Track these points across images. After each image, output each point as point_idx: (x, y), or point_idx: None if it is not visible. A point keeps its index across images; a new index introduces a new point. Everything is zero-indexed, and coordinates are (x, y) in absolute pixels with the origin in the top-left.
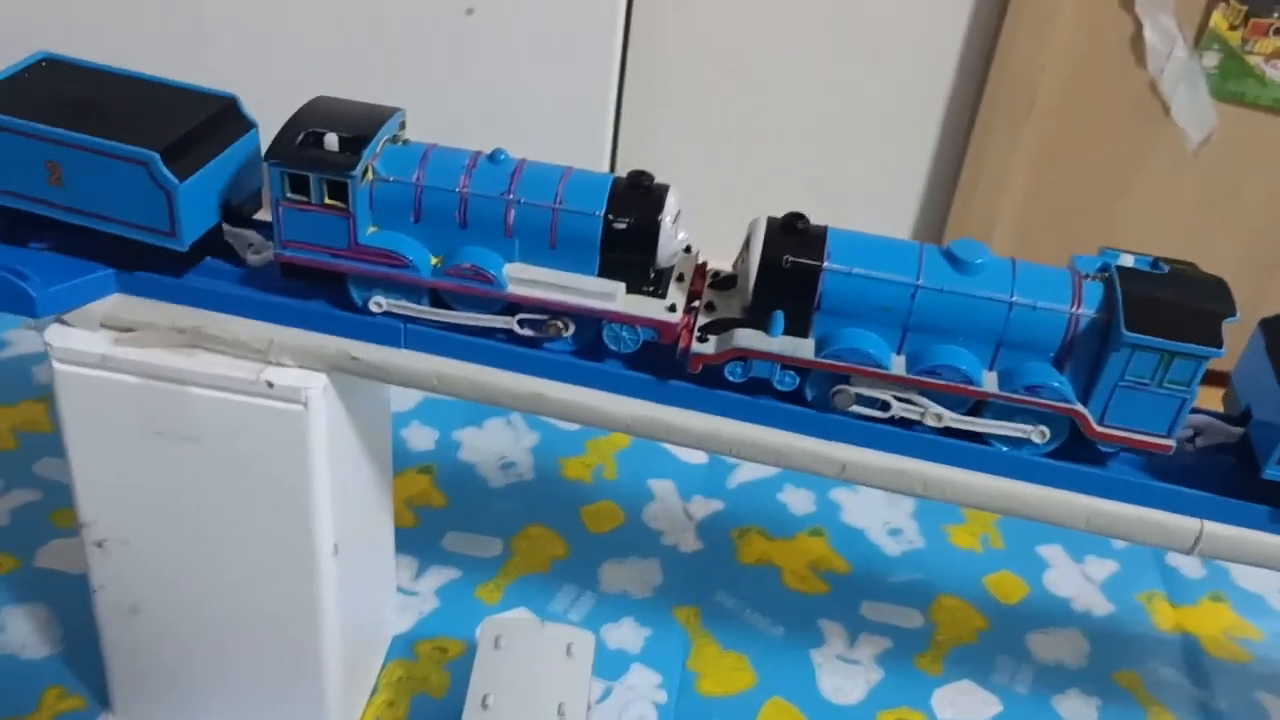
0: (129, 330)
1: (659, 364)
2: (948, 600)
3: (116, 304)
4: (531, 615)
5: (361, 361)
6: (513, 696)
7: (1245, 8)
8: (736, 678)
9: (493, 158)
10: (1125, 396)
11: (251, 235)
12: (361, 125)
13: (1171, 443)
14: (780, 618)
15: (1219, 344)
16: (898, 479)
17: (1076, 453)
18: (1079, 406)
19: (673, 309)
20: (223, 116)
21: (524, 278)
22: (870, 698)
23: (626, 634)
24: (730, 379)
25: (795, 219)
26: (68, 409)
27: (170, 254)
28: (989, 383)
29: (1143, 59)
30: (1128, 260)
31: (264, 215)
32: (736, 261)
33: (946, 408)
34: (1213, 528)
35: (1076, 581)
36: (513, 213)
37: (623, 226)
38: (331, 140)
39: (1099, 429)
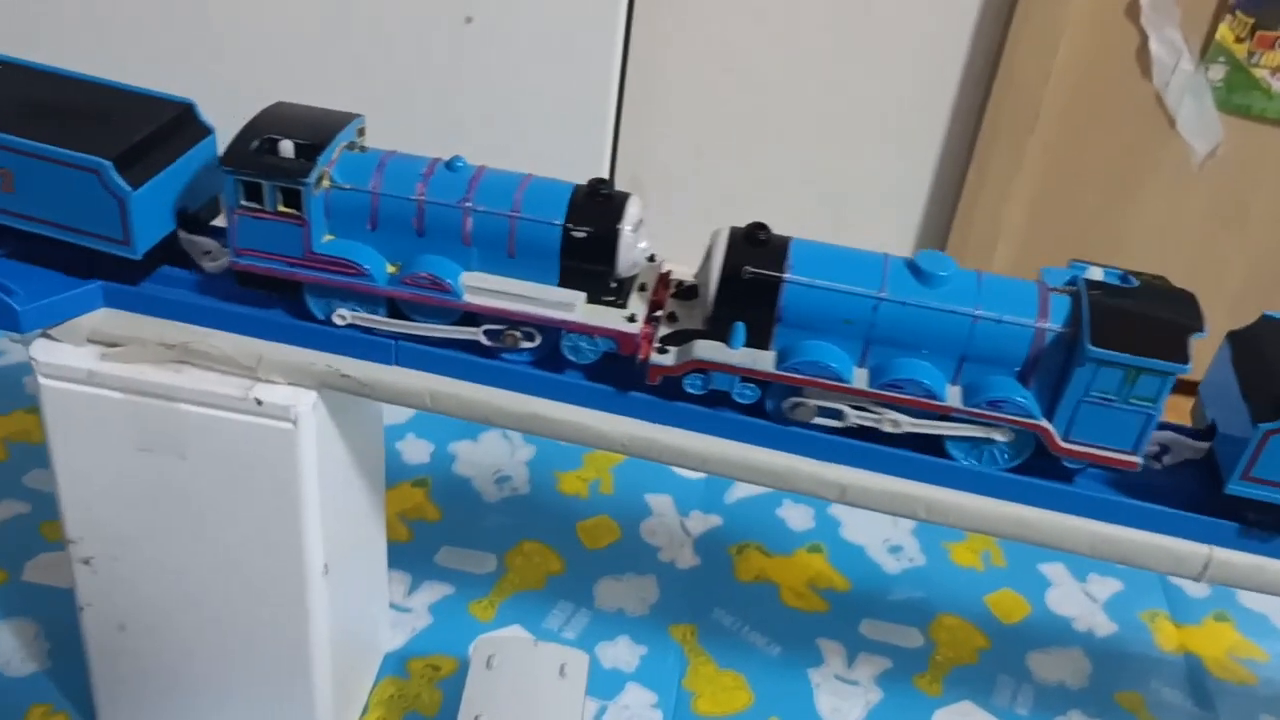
0: (116, 345)
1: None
2: (948, 619)
3: (104, 318)
4: (525, 634)
5: (351, 379)
6: (505, 717)
7: (1252, 20)
8: (733, 697)
9: (450, 165)
10: (1090, 412)
11: (208, 242)
12: (318, 131)
13: (1138, 459)
14: (778, 636)
15: (1186, 360)
16: (899, 503)
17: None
18: (1043, 422)
19: (632, 319)
20: (179, 122)
21: (482, 287)
22: (869, 719)
23: (622, 652)
24: (690, 391)
25: (757, 229)
26: (54, 424)
27: (125, 262)
28: (952, 397)
29: (1148, 71)
30: (1096, 273)
31: (222, 222)
32: (698, 272)
33: (923, 420)
34: (1221, 554)
35: (1079, 600)
36: (470, 221)
37: (582, 235)
38: (287, 147)
39: (1064, 445)
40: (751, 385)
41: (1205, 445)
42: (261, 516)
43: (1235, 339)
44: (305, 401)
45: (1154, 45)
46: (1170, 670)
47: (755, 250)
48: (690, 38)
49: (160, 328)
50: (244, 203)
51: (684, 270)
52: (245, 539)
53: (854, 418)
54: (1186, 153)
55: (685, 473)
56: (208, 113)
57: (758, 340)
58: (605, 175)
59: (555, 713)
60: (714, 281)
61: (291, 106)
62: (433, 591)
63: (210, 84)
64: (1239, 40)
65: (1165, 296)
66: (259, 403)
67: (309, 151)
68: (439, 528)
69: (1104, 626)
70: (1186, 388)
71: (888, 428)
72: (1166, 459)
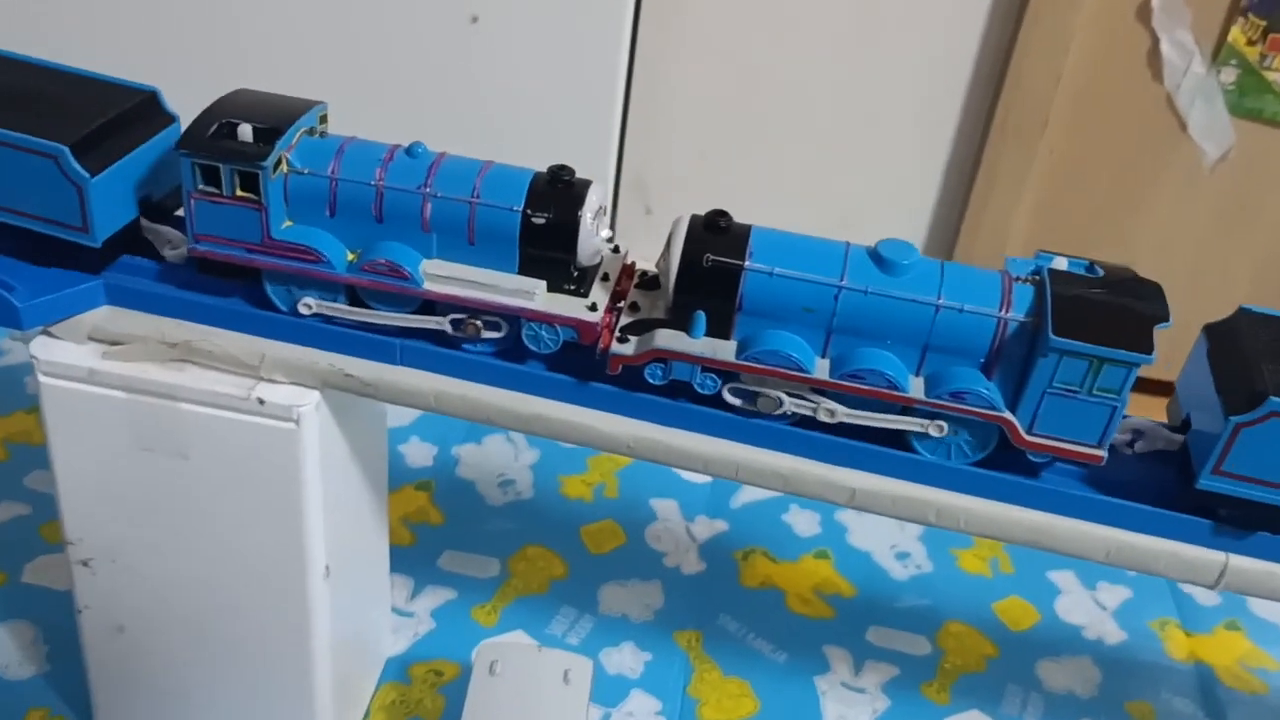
0: (117, 343)
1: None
2: (955, 626)
3: (105, 316)
4: (529, 639)
5: (355, 378)
6: None
7: (1264, 23)
8: (738, 705)
9: (410, 151)
10: (1054, 404)
11: (170, 231)
12: (278, 117)
13: (1102, 453)
14: (784, 643)
15: (1149, 350)
16: (909, 507)
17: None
18: (1007, 414)
19: (593, 308)
20: (142, 110)
21: (442, 274)
22: None
23: (626, 658)
24: (651, 381)
25: (718, 216)
26: (53, 423)
27: (85, 250)
28: (915, 388)
29: (1159, 74)
30: (1061, 263)
31: None
32: (659, 260)
33: (871, 413)
34: (1238, 561)
35: (1088, 608)
36: (429, 207)
37: (541, 222)
38: (245, 131)
39: (1028, 438)
40: (713, 375)
41: (1179, 438)
42: (263, 518)
43: (1211, 332)
44: (308, 401)
45: (1165, 48)
46: (1181, 679)
47: (716, 238)
48: (697, 40)
49: (162, 326)
50: (201, 187)
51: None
52: (246, 540)
53: (790, 405)
54: (1197, 156)
55: (691, 476)
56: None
57: (720, 330)
58: (611, 177)
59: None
60: (674, 270)
61: (252, 93)
62: (435, 596)
63: (208, 82)
64: (1251, 43)
65: (1131, 287)
66: (261, 402)
67: (268, 136)
68: (442, 531)
69: (1113, 635)
70: (1163, 388)
71: (823, 417)
72: (1139, 445)
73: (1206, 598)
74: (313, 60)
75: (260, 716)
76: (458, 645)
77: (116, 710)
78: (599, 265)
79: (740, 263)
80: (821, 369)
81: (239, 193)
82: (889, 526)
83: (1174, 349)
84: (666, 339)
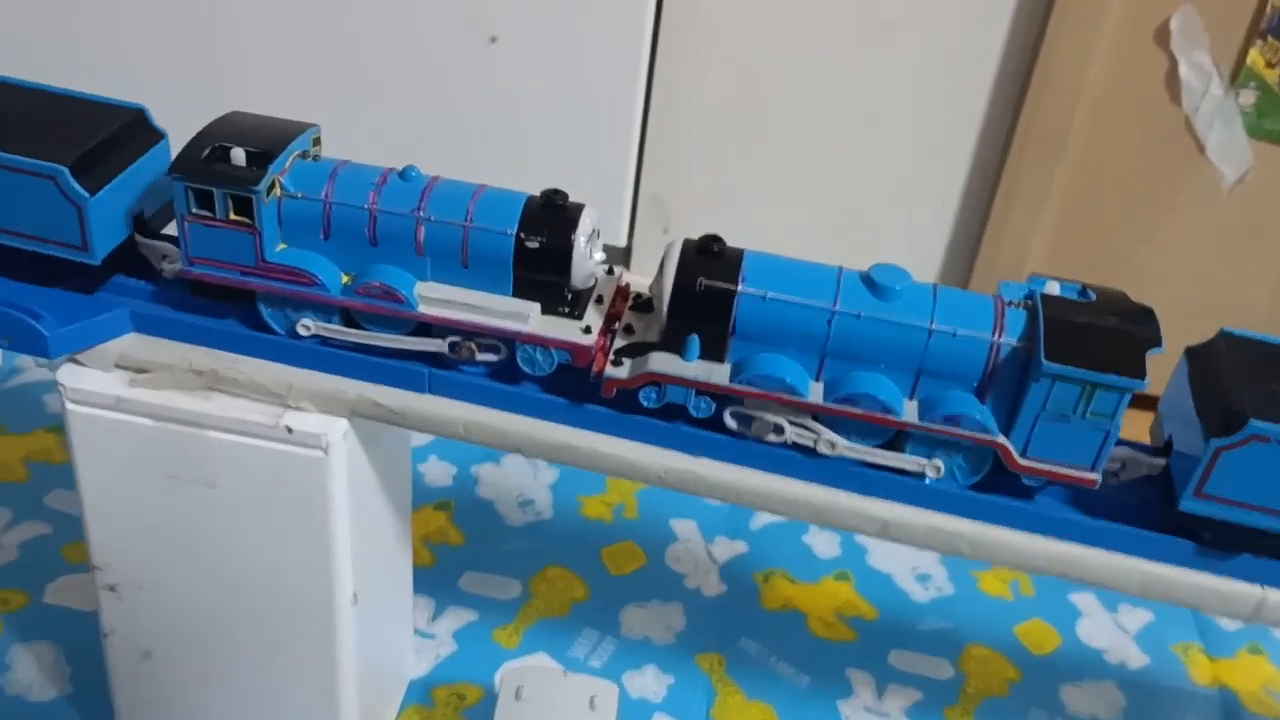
0: (144, 371)
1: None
2: (977, 650)
3: (132, 344)
4: (551, 662)
5: (384, 407)
6: None
7: None
8: None
9: (404, 174)
10: (1048, 428)
11: (165, 247)
12: (271, 140)
13: (1096, 477)
14: (806, 666)
15: (1142, 375)
16: (942, 539)
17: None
18: (1000, 438)
19: (588, 331)
20: (133, 128)
21: (435, 297)
22: None
23: (649, 682)
24: (645, 404)
25: (711, 241)
26: (80, 451)
27: (81, 269)
28: (909, 412)
29: (1177, 96)
30: (1054, 287)
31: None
32: (653, 284)
33: (865, 436)
34: (1277, 595)
35: (1110, 631)
36: (423, 230)
37: (535, 245)
38: (238, 155)
39: (1021, 462)
40: (707, 398)
41: (1161, 462)
42: (290, 545)
43: (1193, 355)
44: (337, 430)
45: (1184, 70)
46: (1204, 704)
47: (709, 262)
48: (716, 59)
49: (189, 353)
50: (195, 210)
51: None
52: (273, 568)
53: (792, 434)
54: (1216, 178)
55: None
56: None
57: (713, 353)
58: (629, 197)
59: None
60: (667, 294)
61: (246, 115)
62: (457, 617)
63: (219, 103)
64: (1270, 65)
65: (1123, 311)
66: (289, 430)
67: (261, 159)
68: (462, 552)
69: (1136, 659)
70: (1147, 402)
71: (823, 449)
72: (1124, 474)
73: (1229, 622)
74: (332, 83)
75: None
76: (480, 668)
77: None
78: (593, 288)
79: (733, 287)
80: (815, 392)
81: (232, 216)
82: (909, 548)
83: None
84: (660, 362)
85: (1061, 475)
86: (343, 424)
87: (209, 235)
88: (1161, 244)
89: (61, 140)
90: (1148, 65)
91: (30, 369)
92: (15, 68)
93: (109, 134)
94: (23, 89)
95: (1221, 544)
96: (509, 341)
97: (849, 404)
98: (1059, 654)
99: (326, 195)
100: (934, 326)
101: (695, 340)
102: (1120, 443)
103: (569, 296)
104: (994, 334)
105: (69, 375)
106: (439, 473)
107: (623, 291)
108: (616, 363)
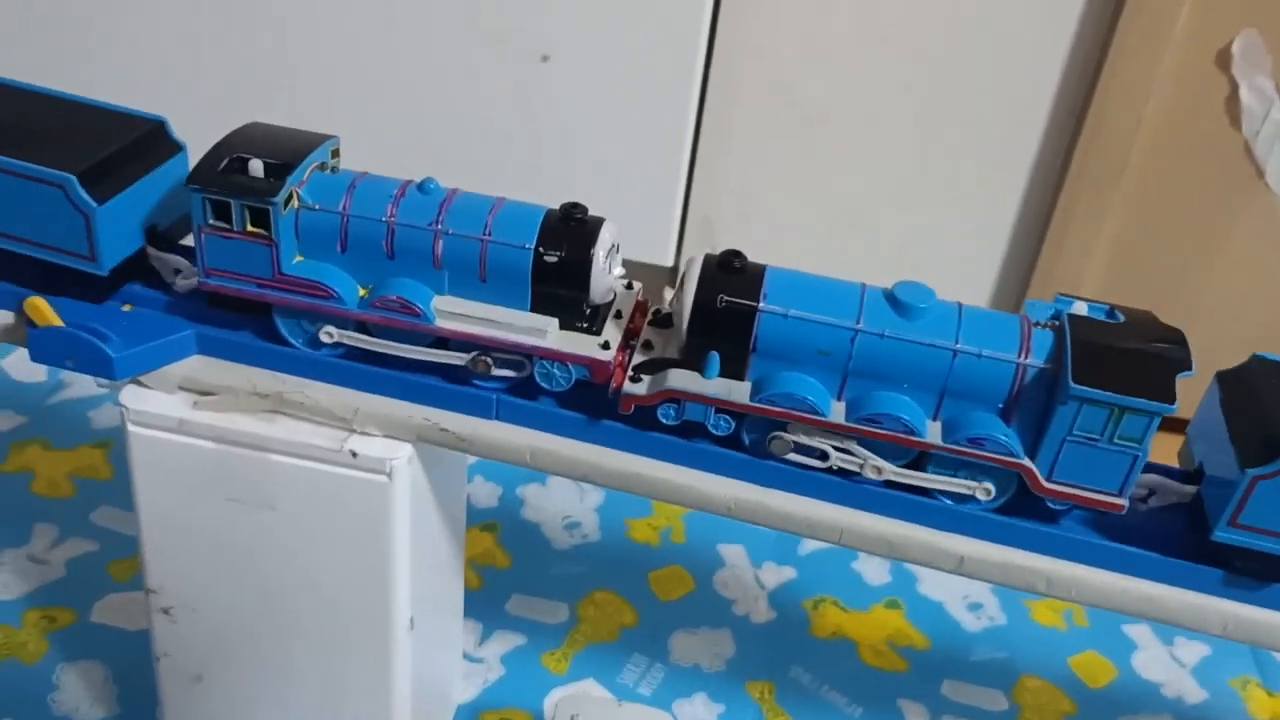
0: (208, 394)
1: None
2: (1031, 681)
3: (195, 366)
4: (600, 689)
5: (450, 433)
6: None
7: None
8: None
9: (422, 187)
10: (1074, 452)
11: (178, 260)
12: (289, 152)
13: (1124, 502)
14: (858, 697)
15: (1172, 399)
16: (1019, 575)
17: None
18: (1025, 461)
19: (606, 346)
20: (150, 139)
21: (453, 311)
22: None
23: (699, 710)
24: (663, 421)
25: (733, 257)
26: (141, 472)
27: (91, 279)
28: (932, 433)
29: (1237, 121)
30: (1081, 308)
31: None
32: (673, 300)
33: (887, 457)
34: None
35: (1166, 664)
36: (441, 244)
37: (554, 260)
38: (256, 166)
39: (1047, 485)
40: (726, 416)
41: (1192, 489)
42: (349, 570)
43: (1224, 379)
44: (401, 455)
45: (1244, 94)
46: None
47: (730, 278)
48: (768, 81)
49: (252, 376)
50: (212, 222)
51: None
52: (331, 593)
53: (836, 460)
54: (1275, 206)
55: None
56: None
57: (733, 370)
58: (677, 215)
59: None
60: (687, 310)
61: (264, 126)
62: (504, 642)
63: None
64: None
65: (1153, 333)
66: (354, 455)
67: (279, 171)
68: (509, 575)
69: (1193, 693)
70: (1176, 424)
71: (870, 474)
72: (1153, 501)
73: None
74: (386, 102)
75: None
76: (528, 693)
77: None
78: (612, 303)
79: (755, 304)
80: (837, 412)
81: (250, 228)
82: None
83: None
84: (680, 379)
85: (1088, 500)
86: (407, 449)
87: (226, 247)
88: (1219, 270)
89: (76, 149)
90: (1208, 89)
91: (74, 385)
92: (39, 76)
93: (125, 144)
94: (43, 96)
95: (1254, 573)
96: (530, 356)
97: (872, 424)
98: (1115, 687)
99: (344, 207)
100: (959, 347)
101: (715, 357)
102: (1150, 468)
103: (587, 311)
104: (1020, 355)
105: (132, 397)
106: (485, 493)
107: (641, 306)
108: (635, 379)
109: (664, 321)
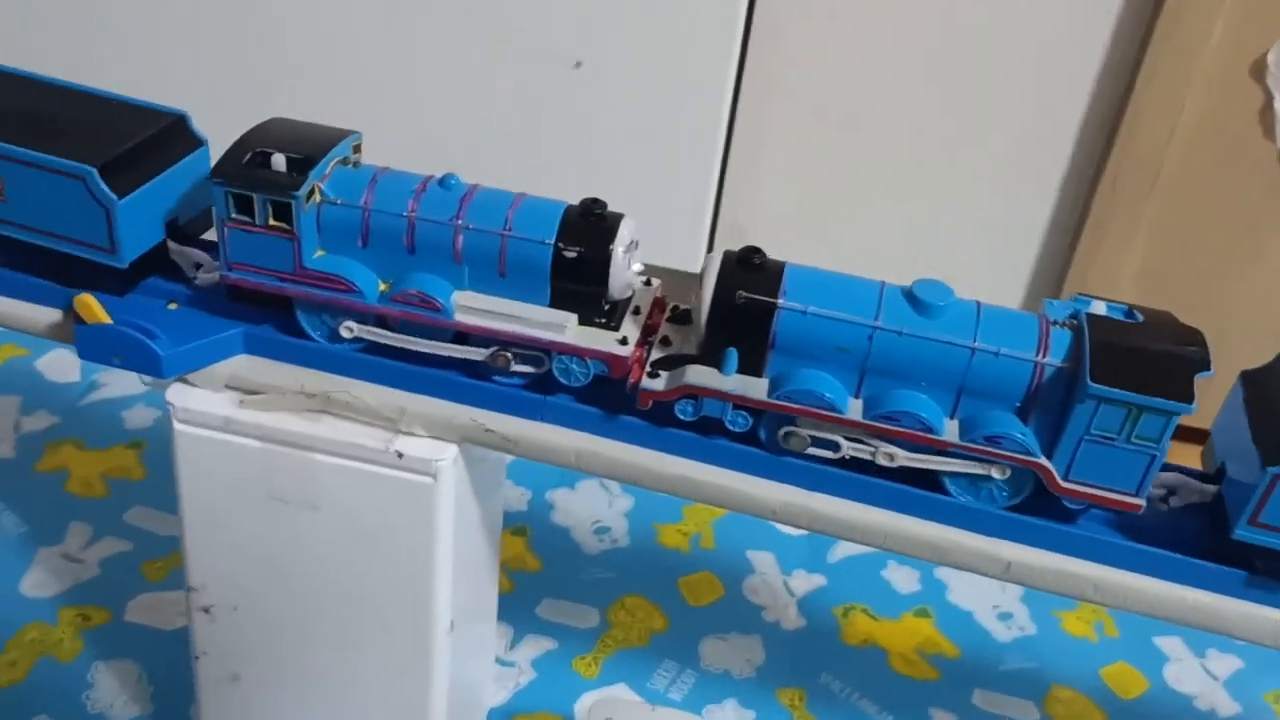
0: (254, 393)
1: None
2: (1062, 692)
3: (242, 365)
4: (631, 693)
5: (496, 434)
6: None
7: None
8: None
9: (443, 182)
10: (1092, 451)
11: (198, 254)
12: (311, 146)
13: (1141, 502)
14: (889, 705)
15: (1190, 399)
16: (1067, 582)
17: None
18: (1042, 459)
19: (624, 342)
20: (171, 133)
21: (473, 306)
22: None
23: (730, 716)
24: (681, 417)
25: (752, 253)
26: (186, 470)
27: (111, 271)
28: (949, 431)
29: (1271, 132)
30: (1099, 307)
31: (214, 235)
32: (692, 296)
33: (924, 454)
34: None
35: (1199, 677)
36: (461, 238)
37: (573, 255)
38: (279, 160)
39: (1064, 484)
40: (744, 413)
41: (1212, 489)
42: (391, 571)
43: (1248, 379)
44: (447, 456)
45: (1278, 105)
46: None
47: (749, 275)
48: (800, 86)
49: (299, 376)
50: (235, 216)
51: None
52: (372, 594)
53: (849, 450)
54: None
55: (787, 529)
56: None
57: (751, 366)
58: (708, 220)
59: None
60: (706, 306)
61: (286, 121)
62: (535, 646)
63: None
64: None
65: (1171, 333)
66: (400, 455)
67: (301, 166)
68: (539, 578)
69: (1226, 706)
70: (1196, 435)
71: (882, 461)
72: (1174, 501)
73: None
74: (420, 107)
75: None
76: (559, 697)
77: None
78: (631, 298)
79: (774, 300)
80: (854, 409)
81: (272, 222)
82: (989, 585)
83: None
84: (698, 375)
85: (1105, 499)
86: (453, 450)
87: (248, 241)
88: (1252, 280)
89: (97, 142)
90: (1243, 99)
91: (108, 384)
92: (61, 69)
93: (146, 138)
94: (64, 90)
95: (1275, 573)
96: (549, 352)
97: (889, 422)
98: (1146, 699)
99: (366, 202)
100: (977, 345)
101: (733, 353)
102: (1170, 468)
103: (606, 307)
104: (1038, 354)
105: (179, 395)
106: (514, 496)
107: (660, 302)
108: (653, 374)
109: (682, 318)
